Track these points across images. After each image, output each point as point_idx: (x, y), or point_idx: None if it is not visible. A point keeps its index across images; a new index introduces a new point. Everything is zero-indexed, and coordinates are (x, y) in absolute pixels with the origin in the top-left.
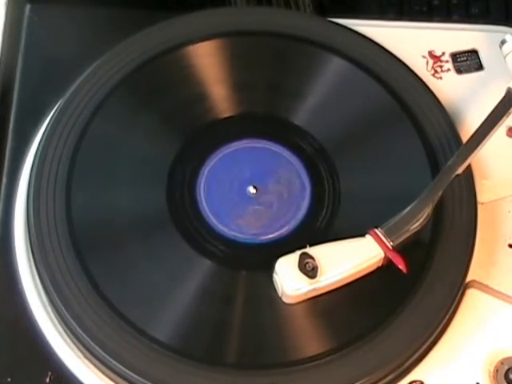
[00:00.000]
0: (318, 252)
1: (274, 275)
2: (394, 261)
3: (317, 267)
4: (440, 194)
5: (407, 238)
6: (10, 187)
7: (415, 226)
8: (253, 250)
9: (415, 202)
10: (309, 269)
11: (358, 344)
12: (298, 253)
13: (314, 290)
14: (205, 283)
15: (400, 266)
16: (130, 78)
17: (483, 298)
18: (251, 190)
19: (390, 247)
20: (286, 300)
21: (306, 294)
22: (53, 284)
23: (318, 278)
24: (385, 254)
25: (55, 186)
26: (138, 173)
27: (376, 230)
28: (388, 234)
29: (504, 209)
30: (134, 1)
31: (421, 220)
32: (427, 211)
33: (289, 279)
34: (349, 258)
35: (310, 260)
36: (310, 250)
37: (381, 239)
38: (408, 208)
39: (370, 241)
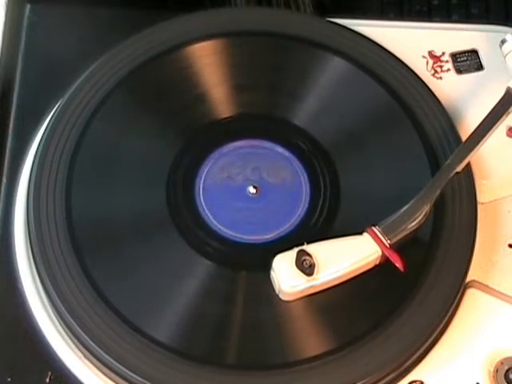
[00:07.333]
0: (316, 249)
1: (271, 272)
2: (391, 259)
3: (314, 264)
4: (438, 192)
5: (405, 237)
6: (10, 187)
7: (413, 224)
8: (252, 250)
9: (413, 200)
10: (306, 266)
11: (358, 344)
12: (296, 250)
13: (311, 287)
14: (204, 283)
15: (397, 265)
16: (129, 78)
17: (483, 298)
18: (251, 189)
19: (388, 245)
20: (282, 297)
21: (302, 291)
22: (53, 284)
23: (315, 276)
24: (382, 252)
25: (55, 186)
26: (138, 173)
27: (373, 228)
28: (385, 232)
29: (504, 209)
30: (134, 1)
31: (419, 218)
32: (425, 210)
33: (286, 276)
34: (346, 256)
35: (307, 257)
36: (307, 248)
37: (378, 237)
38: (406, 206)
39: (367, 239)
